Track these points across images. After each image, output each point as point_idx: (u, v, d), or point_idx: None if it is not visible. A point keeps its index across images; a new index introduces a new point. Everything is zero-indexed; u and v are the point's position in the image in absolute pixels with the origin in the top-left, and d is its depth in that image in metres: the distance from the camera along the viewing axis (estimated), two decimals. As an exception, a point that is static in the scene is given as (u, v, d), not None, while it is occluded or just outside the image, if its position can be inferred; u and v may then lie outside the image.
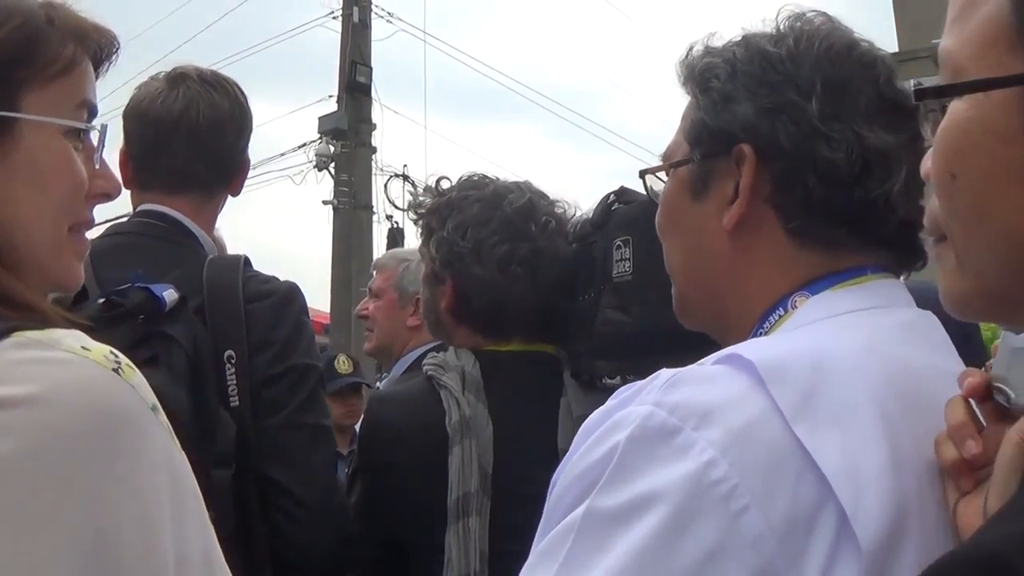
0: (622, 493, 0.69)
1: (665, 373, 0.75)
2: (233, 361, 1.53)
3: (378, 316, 2.72)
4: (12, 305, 0.82)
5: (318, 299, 12.79)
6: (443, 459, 1.59)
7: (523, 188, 1.79)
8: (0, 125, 0.87)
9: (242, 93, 1.80)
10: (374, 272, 2.86)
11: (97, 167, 0.98)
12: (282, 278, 1.72)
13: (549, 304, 1.71)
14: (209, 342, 1.51)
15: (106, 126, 1.00)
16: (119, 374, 0.79)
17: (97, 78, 1.00)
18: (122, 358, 0.81)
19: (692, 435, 0.69)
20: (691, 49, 1.02)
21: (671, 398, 0.72)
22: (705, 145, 0.95)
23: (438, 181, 1.83)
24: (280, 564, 1.56)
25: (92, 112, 0.97)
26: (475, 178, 1.82)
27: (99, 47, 0.99)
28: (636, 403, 0.73)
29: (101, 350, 0.80)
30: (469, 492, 1.58)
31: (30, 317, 0.81)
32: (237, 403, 1.53)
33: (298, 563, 1.59)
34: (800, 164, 0.89)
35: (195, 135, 1.69)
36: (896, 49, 10.71)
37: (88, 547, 0.74)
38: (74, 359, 0.77)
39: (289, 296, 1.66)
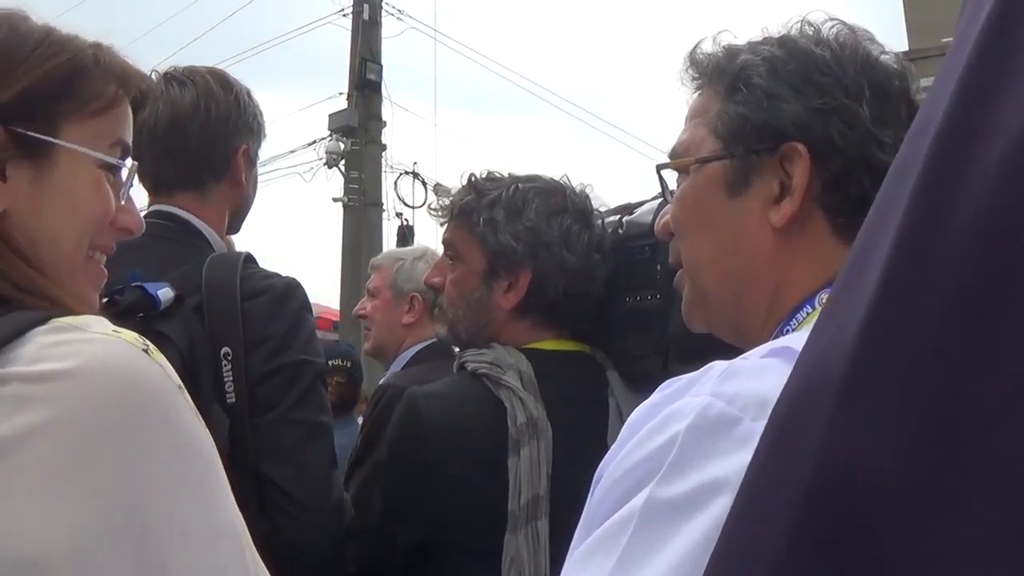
0: (685, 482, 0.68)
1: (719, 365, 0.75)
2: (229, 358, 1.54)
3: (375, 315, 2.74)
4: (44, 298, 0.88)
5: (328, 296, 12.84)
6: (500, 461, 1.57)
7: (569, 181, 1.81)
8: (40, 149, 0.94)
9: (219, 80, 1.77)
10: (371, 272, 2.87)
11: (123, 202, 1.03)
12: (292, 275, 1.72)
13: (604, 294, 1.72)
14: (206, 339, 1.52)
15: (136, 164, 1.06)
16: (148, 354, 0.84)
17: (134, 122, 1.07)
18: (149, 343, 0.85)
19: (751, 425, 0.68)
20: (700, 46, 1.02)
21: (728, 389, 0.71)
22: (748, 141, 0.94)
23: (471, 176, 1.81)
24: (279, 562, 1.57)
25: (125, 151, 1.03)
26: (511, 174, 1.82)
27: (139, 92, 1.06)
28: (691, 394, 0.73)
29: (130, 334, 0.85)
30: (538, 495, 1.56)
31: (60, 308, 0.87)
32: (233, 400, 1.54)
33: (295, 561, 1.60)
34: (856, 165, 0.90)
35: (152, 136, 1.69)
36: (906, 48, 10.70)
37: (121, 513, 0.77)
38: (105, 339, 0.83)
39: (286, 292, 1.66)
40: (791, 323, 0.91)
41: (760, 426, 0.67)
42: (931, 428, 0.29)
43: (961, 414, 0.29)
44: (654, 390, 1.59)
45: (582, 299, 1.72)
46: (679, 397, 0.73)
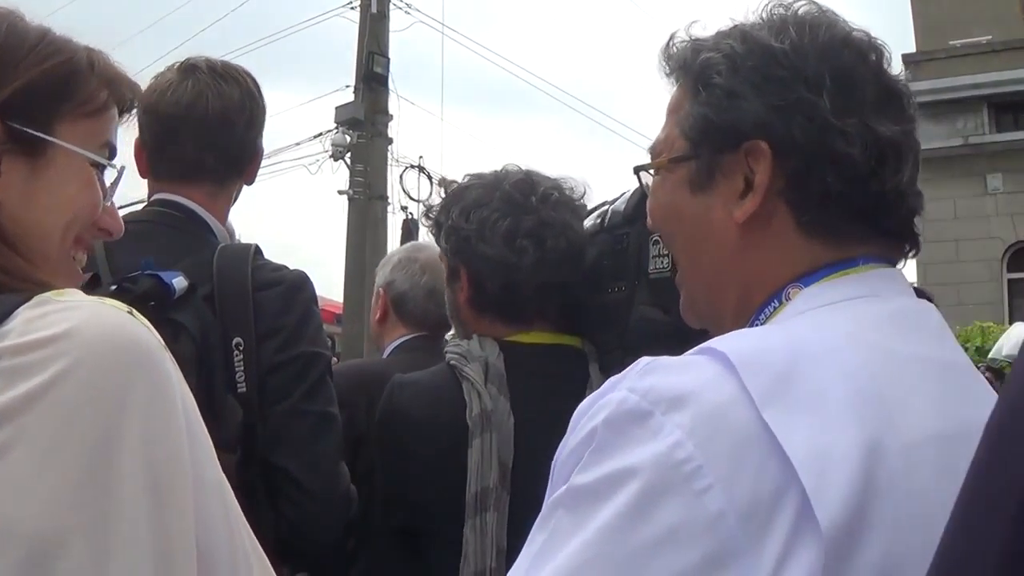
0: (598, 470, 0.73)
1: (643, 360, 0.78)
2: (241, 348, 1.56)
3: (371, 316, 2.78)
4: (32, 283, 0.90)
5: (332, 289, 12.84)
6: (462, 451, 1.59)
7: (521, 168, 1.80)
8: (36, 146, 0.97)
9: (254, 83, 1.82)
10: None
11: (108, 204, 1.06)
12: (296, 267, 1.74)
13: (562, 282, 1.70)
14: (218, 329, 1.53)
15: (124, 167, 1.09)
16: (133, 316, 0.87)
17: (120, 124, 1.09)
18: (133, 308, 0.88)
19: (661, 419, 0.72)
20: (673, 40, 1.02)
21: (643, 384, 0.75)
22: (711, 141, 0.94)
23: (447, 182, 1.84)
24: (287, 551, 1.58)
25: (112, 154, 1.06)
26: (481, 171, 1.83)
27: (126, 100, 1.09)
28: (615, 389, 0.77)
29: (112, 300, 0.88)
30: (487, 487, 1.57)
31: (45, 288, 0.89)
32: (244, 389, 1.55)
33: (303, 550, 1.61)
34: (817, 160, 0.89)
35: (203, 127, 1.72)
36: (914, 49, 10.68)
37: (128, 468, 0.79)
38: (91, 303, 0.85)
39: (297, 285, 1.68)
40: (759, 318, 0.93)
41: (669, 419, 0.72)
42: None
43: None
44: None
45: (520, 289, 1.70)
46: (612, 390, 0.78)
